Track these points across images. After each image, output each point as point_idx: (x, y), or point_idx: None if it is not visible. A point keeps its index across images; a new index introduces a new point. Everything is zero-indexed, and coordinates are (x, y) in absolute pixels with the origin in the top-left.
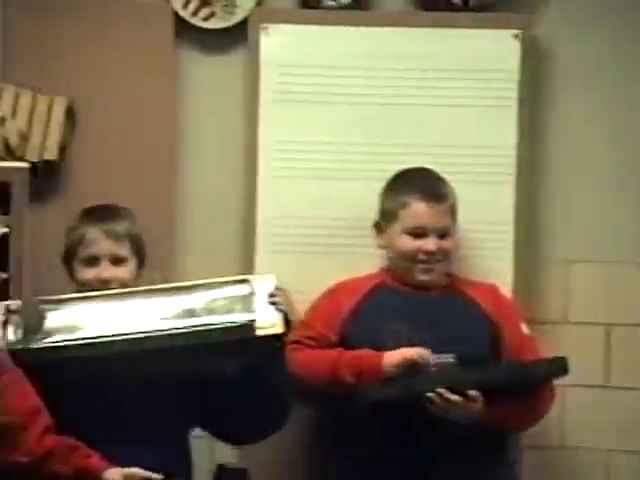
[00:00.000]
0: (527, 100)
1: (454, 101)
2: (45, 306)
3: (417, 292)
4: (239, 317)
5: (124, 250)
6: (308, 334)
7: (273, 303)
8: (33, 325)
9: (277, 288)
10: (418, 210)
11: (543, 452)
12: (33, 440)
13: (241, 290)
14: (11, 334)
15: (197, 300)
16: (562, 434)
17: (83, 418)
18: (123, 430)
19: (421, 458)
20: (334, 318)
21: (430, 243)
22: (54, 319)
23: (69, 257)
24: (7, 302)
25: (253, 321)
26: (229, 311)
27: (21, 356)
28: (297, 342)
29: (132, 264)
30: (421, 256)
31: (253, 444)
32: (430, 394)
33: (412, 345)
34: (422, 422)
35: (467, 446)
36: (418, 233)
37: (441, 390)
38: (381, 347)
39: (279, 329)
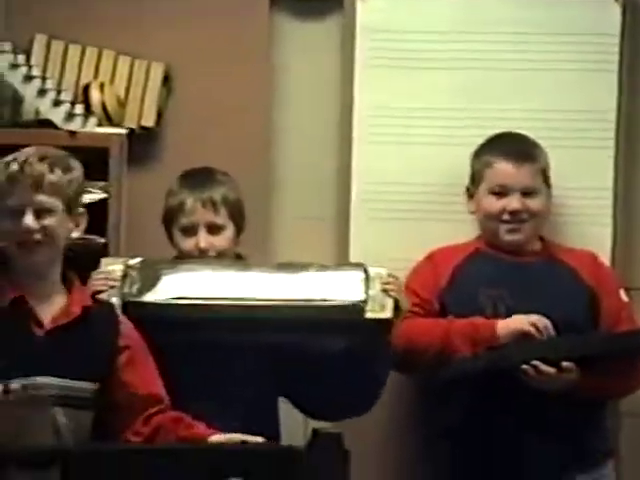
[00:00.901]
0: (627, 64)
1: (553, 65)
2: (162, 266)
3: (512, 258)
4: (350, 298)
5: (221, 218)
6: (413, 301)
7: (385, 290)
8: (149, 283)
9: (391, 275)
10: (501, 168)
11: None
12: (142, 421)
13: (355, 274)
14: (127, 288)
15: (311, 278)
16: None
17: (181, 376)
18: (216, 391)
19: (514, 425)
20: (434, 285)
21: (514, 201)
22: (169, 280)
23: (168, 222)
24: (126, 258)
25: (364, 303)
26: (341, 292)
27: (133, 309)
28: None
29: (229, 231)
30: (505, 216)
31: (332, 422)
32: (524, 366)
33: (509, 312)
34: (515, 391)
35: (562, 413)
36: (502, 192)
37: (535, 362)
38: (479, 314)
39: (388, 314)
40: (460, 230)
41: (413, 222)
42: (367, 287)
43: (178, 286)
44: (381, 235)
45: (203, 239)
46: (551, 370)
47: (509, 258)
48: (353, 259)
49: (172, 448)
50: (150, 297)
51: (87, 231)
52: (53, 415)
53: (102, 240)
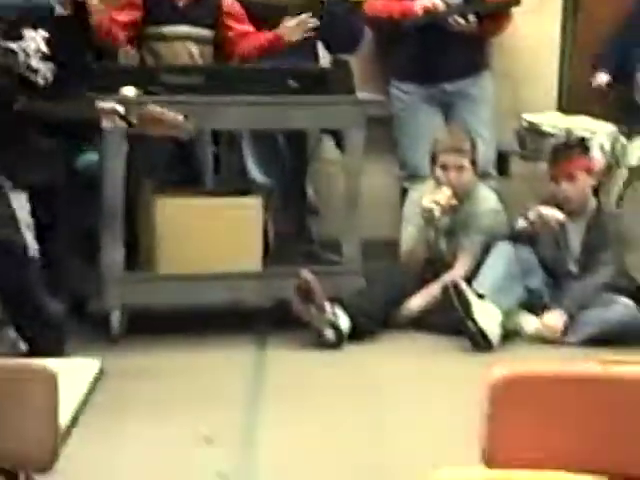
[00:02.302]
0: None
1: None
2: None
3: None
4: None
5: None
6: None
7: None
8: None
9: None
10: None
11: None
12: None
13: None
14: None
15: None
16: None
17: None
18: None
19: (433, 51)
20: None
21: None
22: None
23: None
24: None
25: None
26: None
27: None
28: None
29: None
30: None
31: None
32: (450, 21)
33: None
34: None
35: (462, 45)
36: None
37: (458, 19)
38: None
39: None
40: None
41: None
42: None
43: None
44: None
45: None
46: (462, 22)
47: None
48: None
49: None
50: None
51: None
52: (189, 48)
53: None
